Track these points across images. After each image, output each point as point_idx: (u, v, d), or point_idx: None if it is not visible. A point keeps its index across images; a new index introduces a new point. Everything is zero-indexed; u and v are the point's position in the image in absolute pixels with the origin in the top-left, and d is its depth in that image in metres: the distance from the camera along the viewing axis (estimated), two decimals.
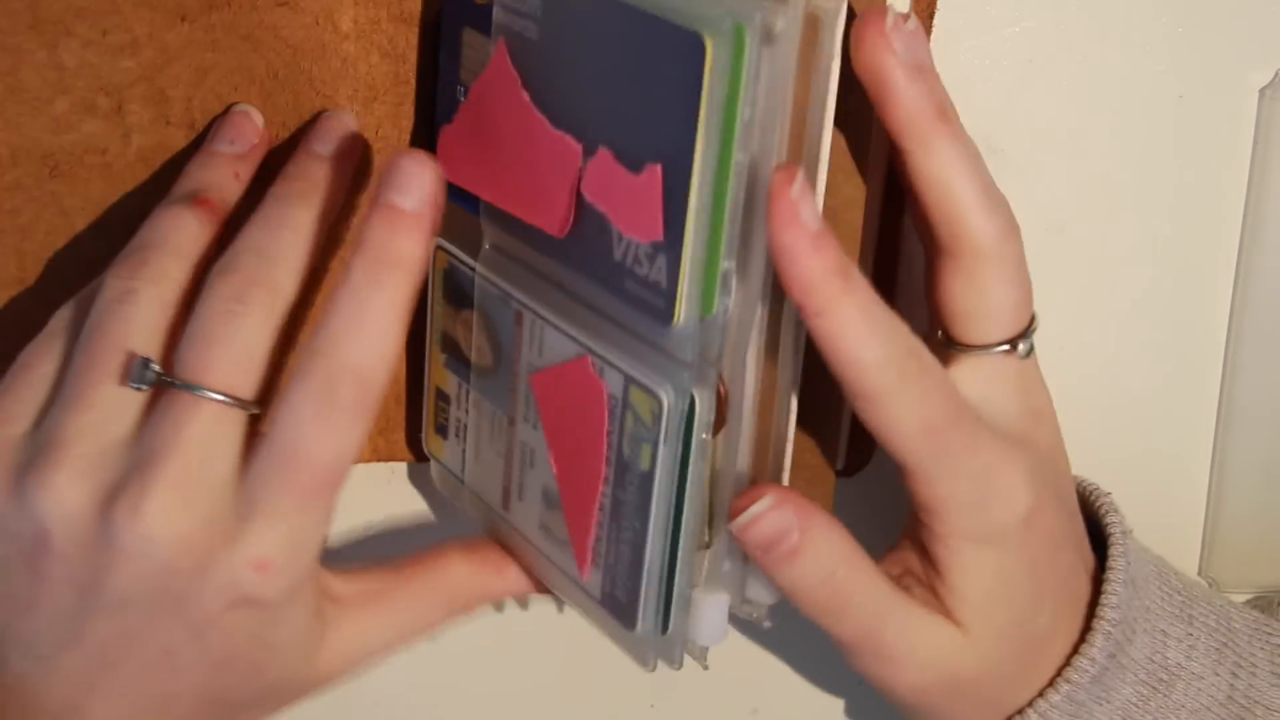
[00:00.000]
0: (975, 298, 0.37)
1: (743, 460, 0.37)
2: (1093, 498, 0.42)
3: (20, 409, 0.36)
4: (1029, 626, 0.39)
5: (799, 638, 0.50)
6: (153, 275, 0.36)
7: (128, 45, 0.39)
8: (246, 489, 0.35)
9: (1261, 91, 0.45)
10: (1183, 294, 0.46)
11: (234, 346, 0.35)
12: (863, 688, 0.51)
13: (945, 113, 0.35)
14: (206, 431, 0.34)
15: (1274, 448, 0.48)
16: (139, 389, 0.35)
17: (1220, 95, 0.45)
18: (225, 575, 0.35)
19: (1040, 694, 0.39)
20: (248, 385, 0.35)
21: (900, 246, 0.44)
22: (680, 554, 0.36)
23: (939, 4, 0.42)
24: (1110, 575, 0.40)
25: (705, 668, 0.39)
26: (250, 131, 0.39)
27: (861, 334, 0.34)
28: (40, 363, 0.37)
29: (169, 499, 0.34)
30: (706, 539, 0.37)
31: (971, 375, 0.37)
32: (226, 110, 0.40)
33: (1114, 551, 0.40)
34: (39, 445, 0.35)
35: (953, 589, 0.38)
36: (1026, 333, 0.38)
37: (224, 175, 0.39)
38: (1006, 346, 0.37)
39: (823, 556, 0.37)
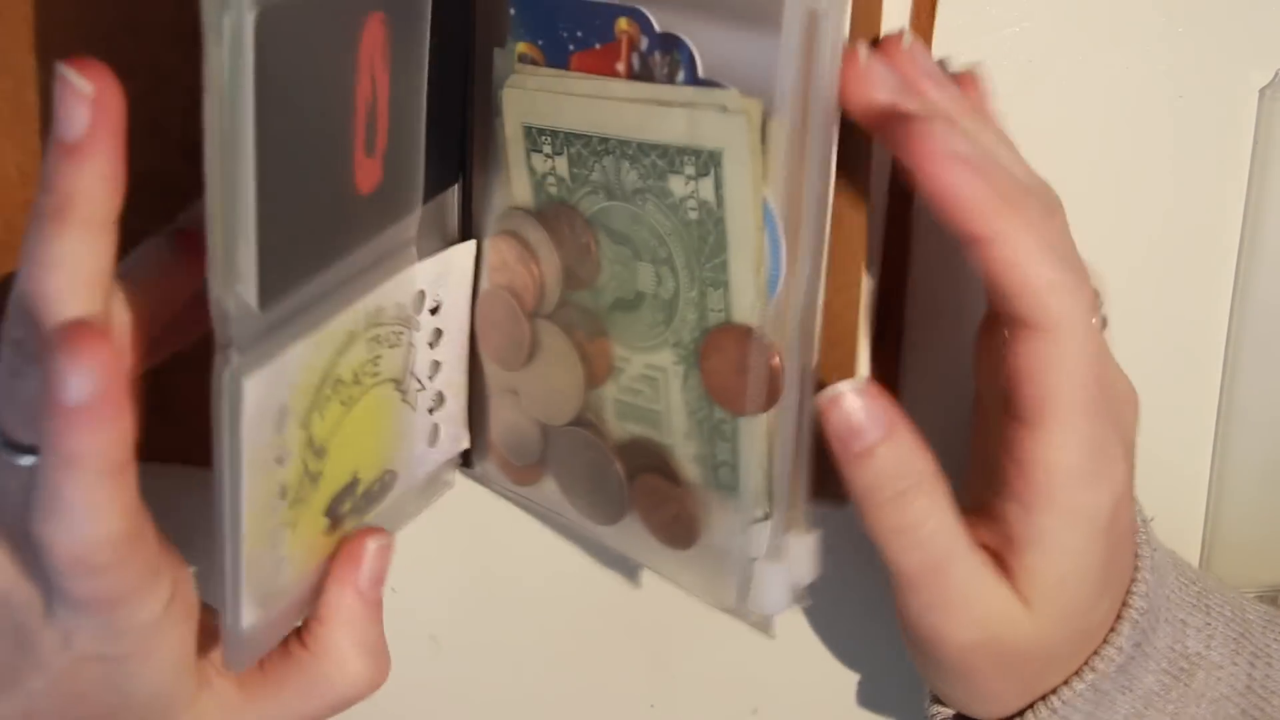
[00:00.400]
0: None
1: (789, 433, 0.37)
2: None
3: None
4: (1088, 617, 0.38)
5: (799, 637, 0.50)
6: None
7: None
8: None
9: (1262, 91, 0.45)
10: (1183, 294, 0.46)
11: (17, 404, 0.33)
12: (862, 687, 0.51)
13: (1006, 199, 0.34)
14: (19, 488, 0.33)
15: (1274, 448, 0.48)
16: None
17: (1220, 95, 0.45)
18: (57, 624, 0.34)
19: (1065, 681, 0.39)
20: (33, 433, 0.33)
21: (910, 247, 0.44)
22: (239, 547, 0.34)
23: (939, 4, 0.42)
24: (1138, 564, 0.39)
25: (772, 637, 0.40)
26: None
27: (1041, 255, 0.34)
28: None
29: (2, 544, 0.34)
30: (767, 510, 0.37)
31: None
32: None
33: (1139, 539, 0.40)
34: None
35: (1026, 566, 0.37)
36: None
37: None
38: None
39: (902, 468, 0.35)
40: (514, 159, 0.40)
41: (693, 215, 0.36)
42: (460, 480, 0.46)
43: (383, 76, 0.35)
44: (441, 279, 0.41)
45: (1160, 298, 0.46)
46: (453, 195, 0.41)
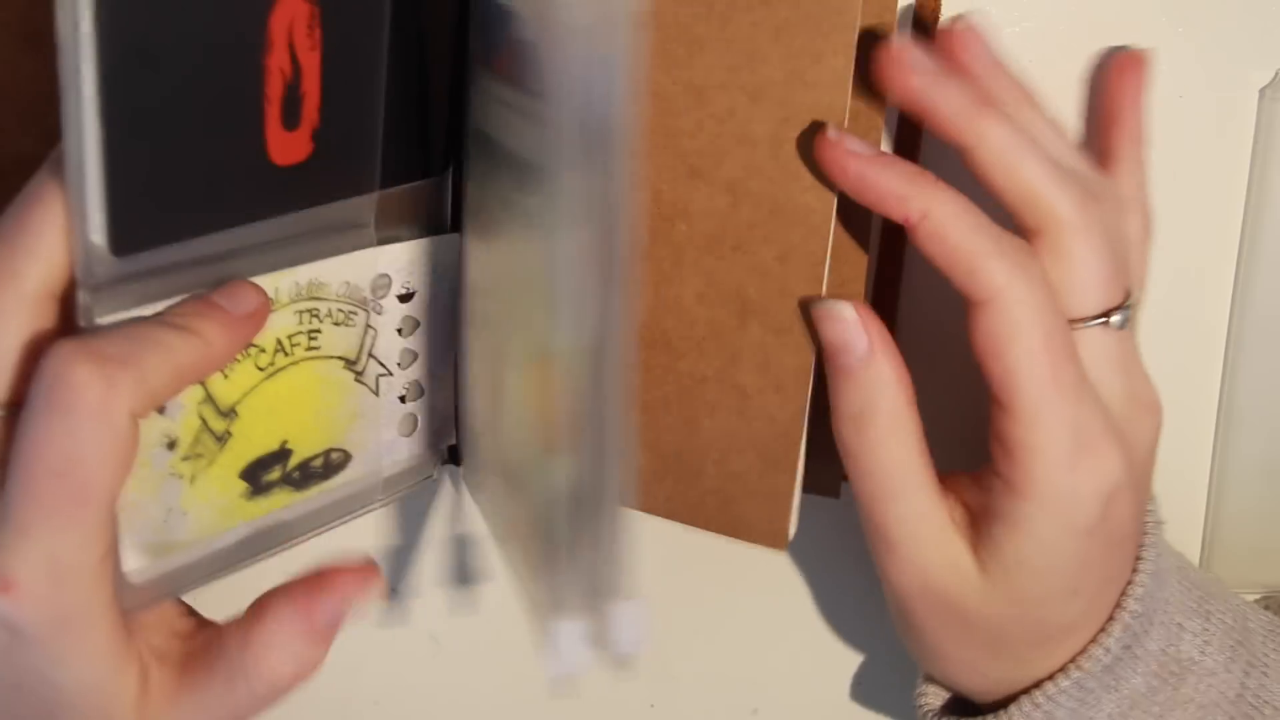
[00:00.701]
0: (1064, 270, 0.37)
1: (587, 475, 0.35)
2: None
3: None
4: (1052, 611, 0.38)
5: (799, 637, 0.50)
6: None
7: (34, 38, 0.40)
8: (2, 497, 0.32)
9: (1262, 91, 0.45)
10: (1183, 294, 0.46)
11: None
12: (863, 688, 0.51)
13: (986, 102, 0.36)
14: None
15: (1274, 448, 0.48)
16: None
17: (1220, 95, 0.45)
18: None
19: (1050, 678, 0.39)
20: None
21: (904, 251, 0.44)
22: None
23: (941, 4, 0.42)
24: (1139, 567, 0.39)
25: (562, 696, 0.38)
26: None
27: (971, 231, 0.36)
28: None
29: None
30: (561, 561, 0.35)
31: None
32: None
33: (1145, 542, 0.40)
34: None
35: (993, 536, 0.37)
36: (1123, 306, 0.37)
37: None
38: (1102, 320, 0.37)
39: (870, 390, 0.37)
40: (473, 158, 0.40)
41: (536, 233, 0.35)
42: (460, 480, 0.46)
43: (309, 55, 0.35)
44: (413, 267, 0.41)
45: (1160, 298, 0.46)
46: (446, 185, 0.41)
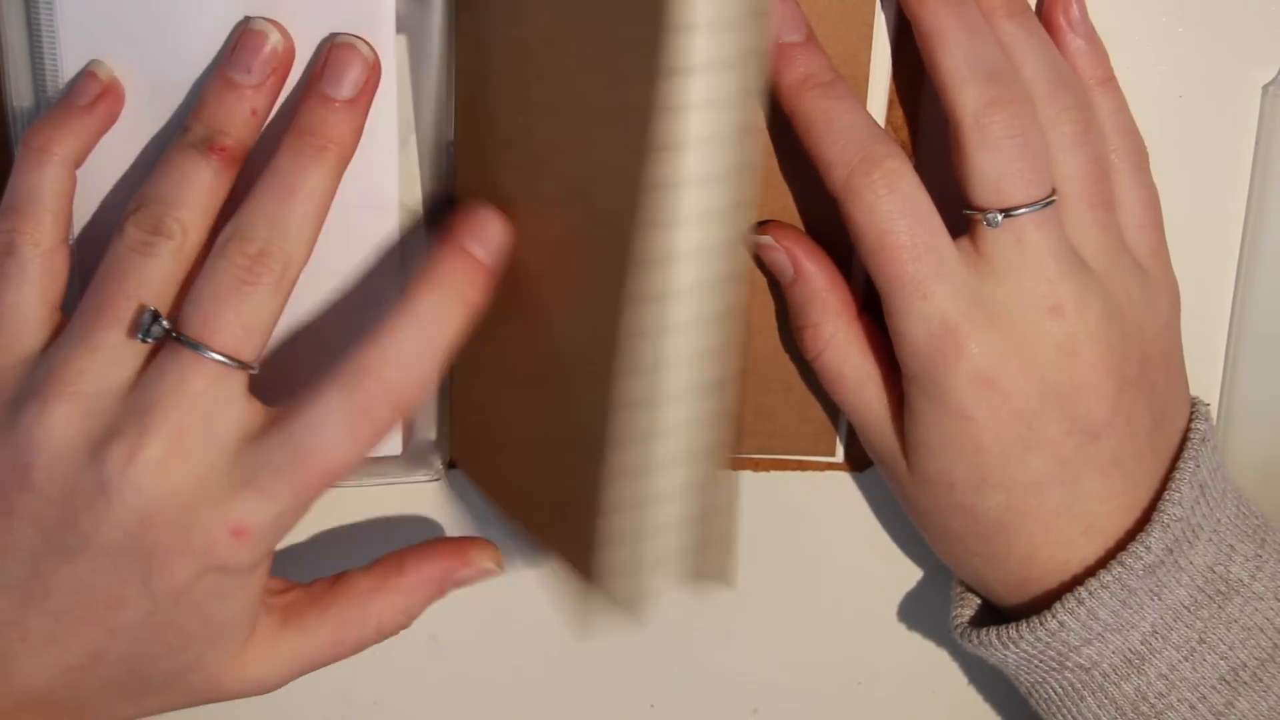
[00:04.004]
0: (963, 165, 0.39)
1: None
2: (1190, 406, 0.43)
3: (10, 342, 0.36)
4: (968, 498, 0.40)
5: (800, 637, 0.50)
6: (170, 231, 0.36)
7: None
8: (248, 462, 0.35)
9: (1264, 89, 0.45)
10: (1184, 293, 0.46)
11: (243, 313, 0.35)
12: (863, 689, 0.51)
13: None
14: (208, 389, 0.35)
15: (1274, 448, 0.48)
16: (145, 341, 0.35)
17: (1223, 93, 0.44)
18: (202, 536, 0.35)
19: (1092, 573, 0.40)
20: (251, 349, 0.35)
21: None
22: None
23: None
24: (1176, 476, 0.41)
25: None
26: (268, 56, 0.37)
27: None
28: (13, 297, 0.36)
29: (165, 450, 0.34)
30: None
31: (968, 241, 0.39)
32: (244, 21, 0.37)
33: (1186, 454, 0.41)
34: (37, 379, 0.35)
35: (904, 422, 0.40)
36: (1011, 210, 0.38)
37: (241, 114, 0.37)
38: (1004, 214, 0.38)
39: (798, 307, 0.42)
40: None
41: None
42: (461, 479, 0.46)
43: None
44: None
45: None
46: None
